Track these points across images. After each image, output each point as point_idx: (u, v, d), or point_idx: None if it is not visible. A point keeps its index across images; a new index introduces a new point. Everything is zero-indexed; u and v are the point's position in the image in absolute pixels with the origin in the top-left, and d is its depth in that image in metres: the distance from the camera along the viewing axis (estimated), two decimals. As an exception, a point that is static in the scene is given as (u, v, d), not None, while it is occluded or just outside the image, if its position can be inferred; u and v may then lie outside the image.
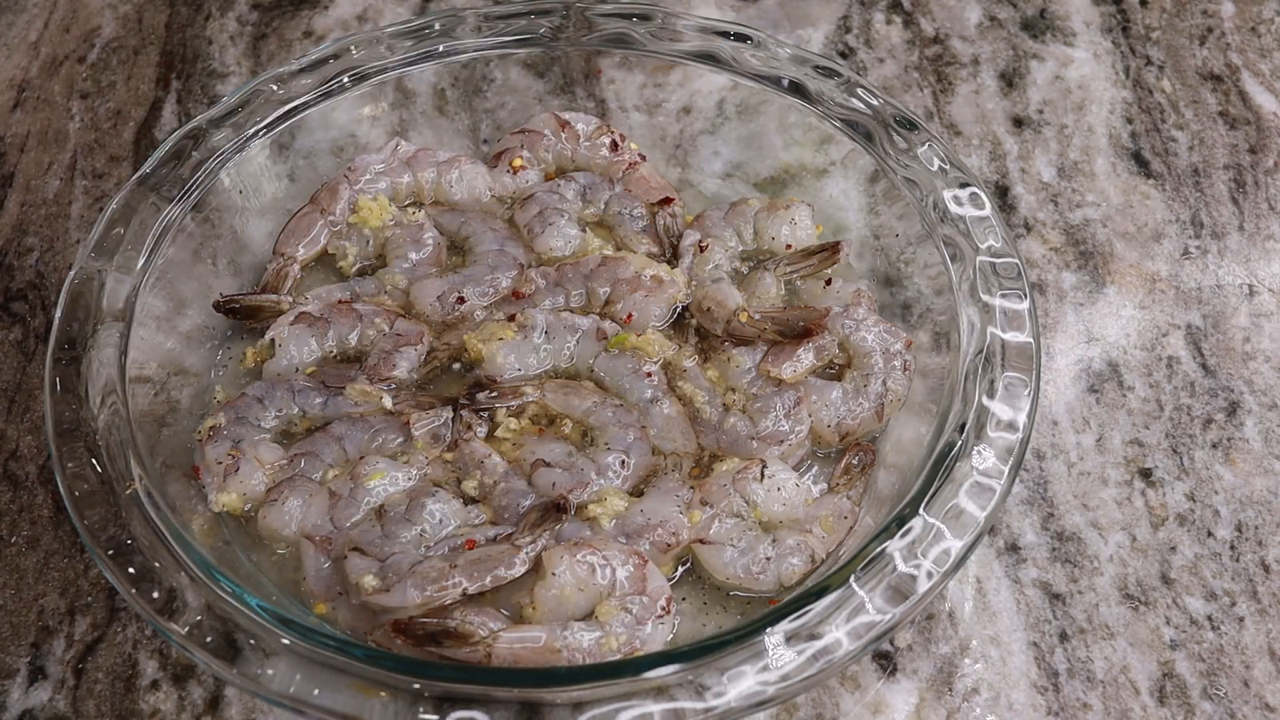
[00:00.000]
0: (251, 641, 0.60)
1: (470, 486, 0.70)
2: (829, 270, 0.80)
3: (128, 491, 0.64)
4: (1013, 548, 0.75)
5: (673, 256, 0.82)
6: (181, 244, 0.77)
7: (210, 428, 0.72)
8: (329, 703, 0.58)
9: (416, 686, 0.58)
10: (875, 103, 0.81)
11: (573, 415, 0.74)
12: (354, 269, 0.83)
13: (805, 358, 0.75)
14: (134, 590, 0.61)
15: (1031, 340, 0.70)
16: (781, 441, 0.72)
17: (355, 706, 0.58)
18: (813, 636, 0.60)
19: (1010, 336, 0.71)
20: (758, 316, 0.76)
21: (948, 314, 0.74)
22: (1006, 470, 0.66)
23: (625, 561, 0.65)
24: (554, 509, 0.67)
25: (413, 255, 0.81)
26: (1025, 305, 0.72)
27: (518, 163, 0.85)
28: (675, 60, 0.85)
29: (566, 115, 0.87)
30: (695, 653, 0.59)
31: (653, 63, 0.88)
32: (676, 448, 0.73)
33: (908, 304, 0.79)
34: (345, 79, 0.83)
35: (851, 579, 0.61)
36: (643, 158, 0.87)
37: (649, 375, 0.75)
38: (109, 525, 0.63)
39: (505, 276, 0.80)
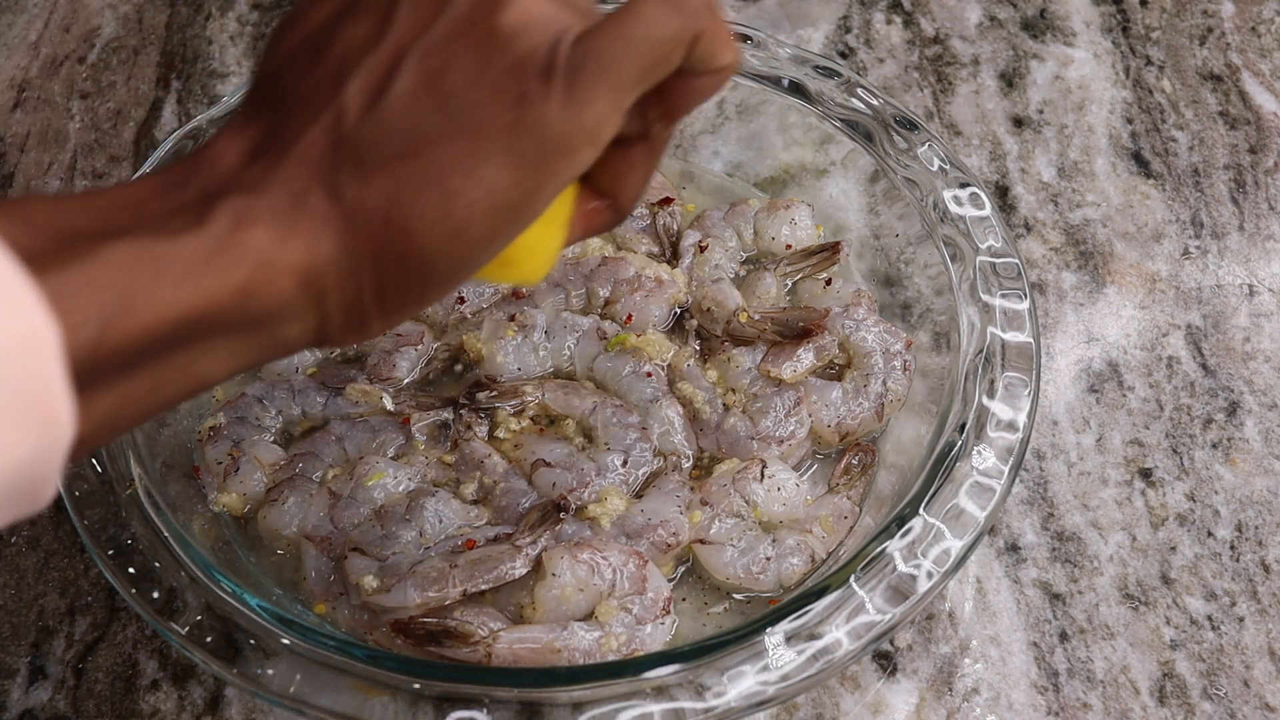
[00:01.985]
0: (251, 641, 0.60)
1: (470, 488, 0.70)
2: (829, 270, 0.80)
3: (128, 491, 0.64)
4: (1013, 548, 0.75)
5: (673, 257, 0.82)
6: (181, 244, 0.77)
7: (210, 428, 0.72)
8: (329, 703, 0.58)
9: (416, 686, 0.58)
10: (875, 103, 0.81)
11: (573, 415, 0.74)
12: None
13: (805, 358, 0.75)
14: (134, 590, 0.61)
15: (1031, 340, 0.70)
16: (781, 441, 0.72)
17: (355, 706, 0.58)
18: (813, 636, 0.60)
19: (1010, 336, 0.71)
20: (757, 317, 0.76)
21: (948, 314, 0.74)
22: (1006, 470, 0.66)
23: (625, 562, 0.65)
24: (554, 509, 0.67)
25: (413, 255, 0.81)
26: (1025, 305, 0.72)
27: (518, 163, 0.85)
28: (675, 60, 0.84)
29: (566, 115, 0.87)
30: (695, 653, 0.59)
31: (653, 63, 0.88)
32: (677, 448, 0.73)
33: (908, 304, 0.79)
34: (345, 79, 0.83)
35: (851, 579, 0.61)
36: (643, 158, 0.87)
37: (649, 375, 0.75)
38: (109, 525, 0.63)
39: (505, 276, 0.80)
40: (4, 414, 0.34)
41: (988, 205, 0.76)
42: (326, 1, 0.45)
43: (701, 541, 0.69)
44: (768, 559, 0.68)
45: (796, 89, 0.82)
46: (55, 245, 0.37)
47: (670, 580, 0.69)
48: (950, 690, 0.70)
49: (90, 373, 0.37)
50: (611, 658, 0.63)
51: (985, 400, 0.68)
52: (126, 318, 0.37)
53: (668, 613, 0.65)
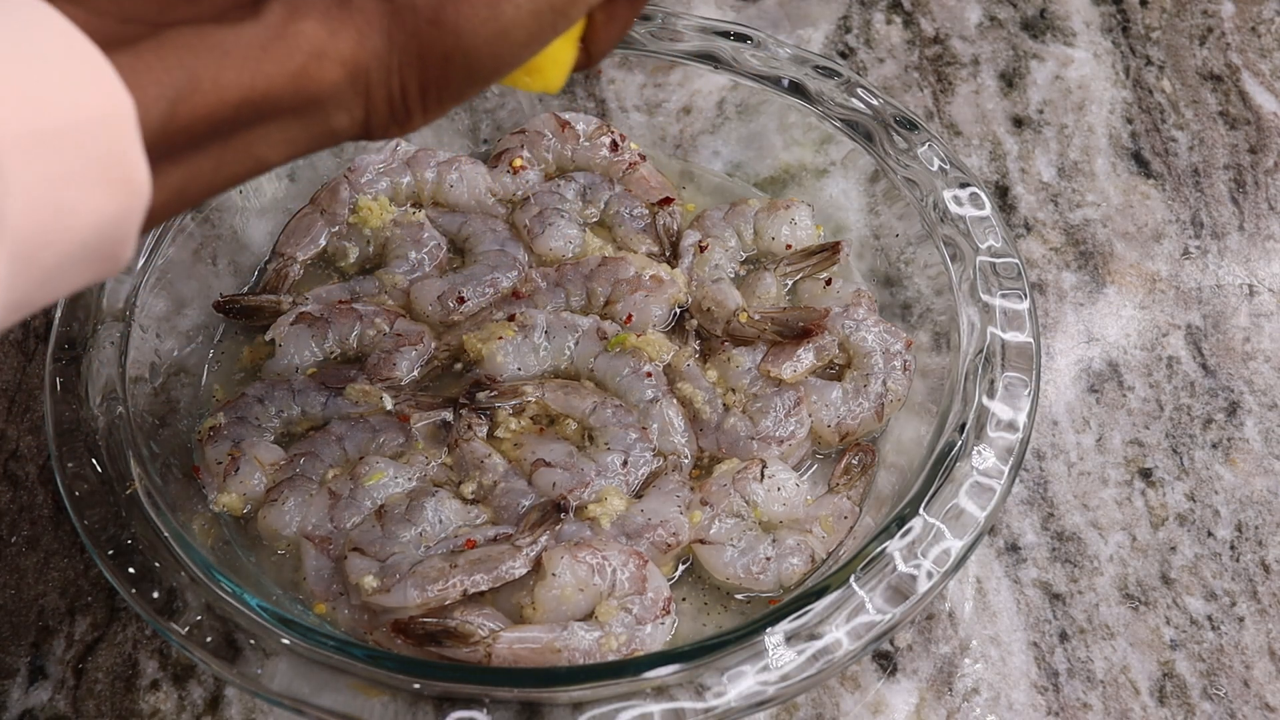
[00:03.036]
0: (251, 641, 0.60)
1: (470, 488, 0.70)
2: (829, 270, 0.80)
3: (128, 491, 0.64)
4: (1013, 548, 0.75)
5: (673, 256, 0.82)
6: (181, 244, 0.77)
7: (210, 428, 0.72)
8: (329, 703, 0.58)
9: (416, 686, 0.58)
10: (875, 103, 0.81)
11: (573, 415, 0.74)
12: (354, 269, 0.83)
13: (805, 358, 0.75)
14: (134, 590, 0.61)
15: (1031, 340, 0.71)
16: (782, 441, 0.72)
17: (355, 706, 0.58)
18: (813, 636, 0.60)
19: (1010, 336, 0.71)
20: (757, 317, 0.76)
21: (948, 314, 0.74)
22: (1006, 470, 0.66)
23: (625, 562, 0.65)
24: (554, 509, 0.67)
25: (413, 255, 0.81)
26: (1025, 305, 0.72)
27: (518, 163, 0.85)
28: (675, 60, 0.85)
29: (566, 115, 0.87)
30: (695, 653, 0.59)
31: (653, 63, 0.88)
32: (677, 448, 0.73)
33: (908, 304, 0.79)
34: (345, 79, 0.83)
35: (851, 579, 0.61)
36: (643, 158, 0.87)
37: (649, 375, 0.75)
38: (109, 525, 0.63)
39: (505, 276, 0.80)
40: (89, 179, 0.37)
41: (988, 205, 0.76)
42: None
43: (701, 541, 0.69)
44: (768, 559, 0.68)
45: (796, 89, 0.82)
46: (123, 29, 0.40)
47: (670, 580, 0.69)
48: (950, 690, 0.70)
49: (162, 146, 0.40)
50: (611, 658, 0.63)
51: (985, 400, 0.68)
52: (194, 96, 0.40)
53: (668, 613, 0.65)
